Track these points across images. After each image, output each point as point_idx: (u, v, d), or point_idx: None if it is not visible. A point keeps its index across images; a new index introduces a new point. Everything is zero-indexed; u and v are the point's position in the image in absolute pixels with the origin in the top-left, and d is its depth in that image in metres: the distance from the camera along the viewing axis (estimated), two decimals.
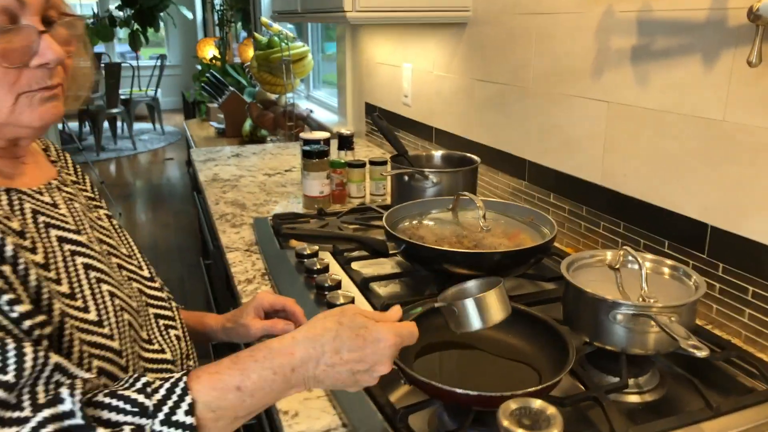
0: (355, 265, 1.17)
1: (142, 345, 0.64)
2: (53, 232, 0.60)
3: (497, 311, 0.70)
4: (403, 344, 0.58)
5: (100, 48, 7.75)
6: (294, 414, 0.76)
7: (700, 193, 0.98)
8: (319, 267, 1.11)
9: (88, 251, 0.65)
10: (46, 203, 0.63)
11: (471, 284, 0.74)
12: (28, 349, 0.45)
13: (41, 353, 0.45)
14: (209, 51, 4.31)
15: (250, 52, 3.34)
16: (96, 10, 7.78)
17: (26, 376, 0.44)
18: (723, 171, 0.95)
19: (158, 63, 7.08)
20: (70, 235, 0.62)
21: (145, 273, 0.77)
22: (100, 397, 0.46)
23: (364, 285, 1.06)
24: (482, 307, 0.69)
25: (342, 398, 0.76)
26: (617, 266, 0.90)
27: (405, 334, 0.59)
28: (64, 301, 0.55)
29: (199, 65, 4.28)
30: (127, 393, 0.47)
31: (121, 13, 7.09)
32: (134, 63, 7.20)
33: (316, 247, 1.21)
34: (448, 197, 1.25)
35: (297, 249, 1.19)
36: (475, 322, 0.69)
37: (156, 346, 0.67)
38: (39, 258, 0.55)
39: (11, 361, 0.44)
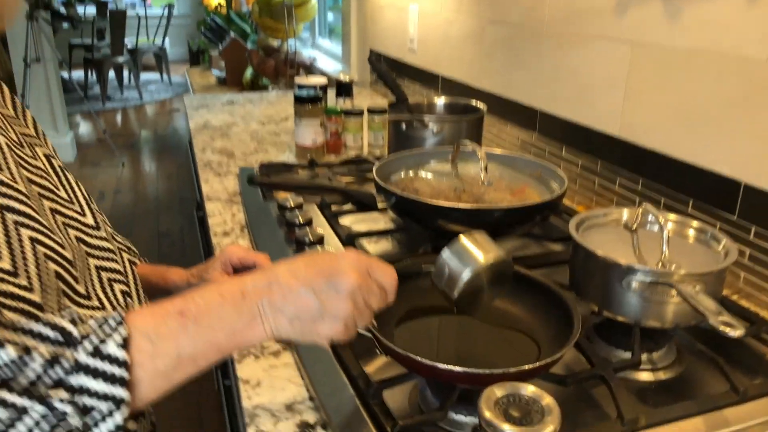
0: (344, 221, 1.10)
1: (76, 299, 0.57)
2: None
3: (485, 250, 0.63)
4: (372, 272, 0.52)
5: None
6: (256, 383, 0.69)
7: (733, 146, 0.88)
8: (301, 221, 1.04)
9: (6, 190, 0.55)
10: None
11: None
12: None
13: None
14: None
15: None
16: None
17: None
18: (763, 121, 0.83)
19: (165, 12, 6.90)
20: None
21: (89, 220, 0.67)
22: (17, 322, 0.43)
23: (350, 241, 0.99)
24: (462, 252, 0.62)
25: (311, 367, 0.69)
26: (634, 226, 0.82)
27: (375, 265, 0.53)
28: None
29: (205, 13, 4.12)
30: (49, 318, 0.44)
31: None
32: (141, 12, 7.02)
33: (301, 200, 1.11)
34: (447, 148, 1.16)
35: (279, 201, 1.10)
36: (461, 270, 0.61)
37: (94, 302, 0.60)
38: None
39: None
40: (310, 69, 2.70)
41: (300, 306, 0.48)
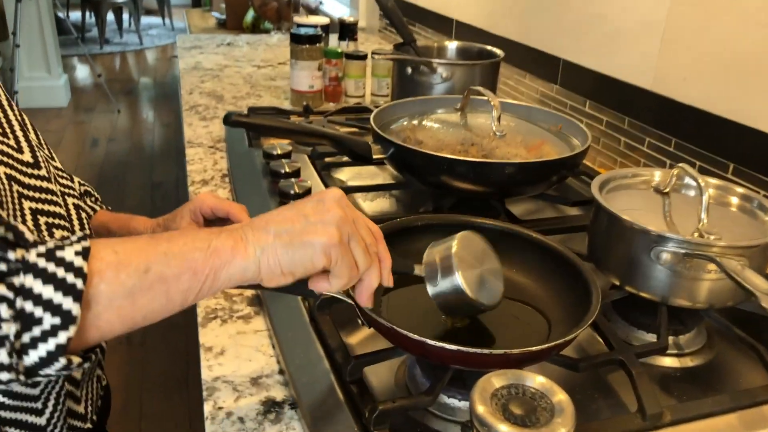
0: (336, 174, 1.06)
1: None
2: None
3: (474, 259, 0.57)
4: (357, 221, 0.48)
5: None
6: (219, 351, 0.64)
7: None
8: (287, 170, 0.98)
9: None
10: None
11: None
12: None
13: None
14: None
15: None
16: None
17: None
18: None
19: None
20: None
21: (26, 157, 0.59)
22: None
23: None
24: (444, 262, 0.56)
25: (284, 334, 0.64)
26: (667, 189, 0.75)
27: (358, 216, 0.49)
28: None
29: None
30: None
31: None
32: None
33: (289, 148, 1.04)
34: (456, 96, 1.07)
35: (265, 148, 1.05)
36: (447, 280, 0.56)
37: None
38: None
39: None
40: (315, 13, 2.57)
41: (283, 220, 0.45)
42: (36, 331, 0.36)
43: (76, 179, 0.73)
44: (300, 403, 0.55)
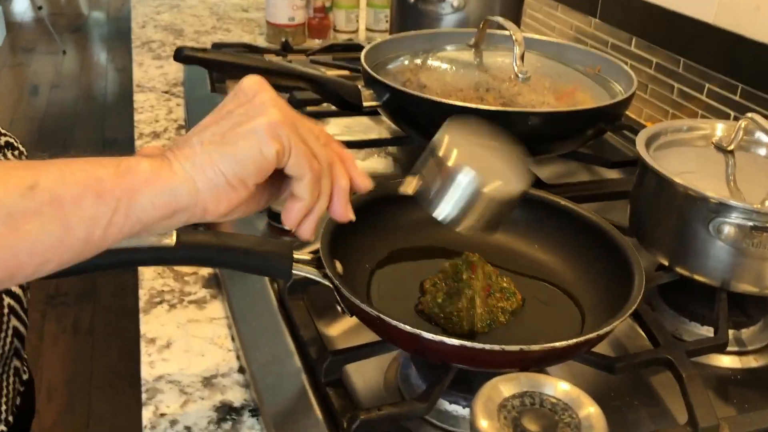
0: (320, 125, 1.00)
1: None
2: None
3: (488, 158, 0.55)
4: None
5: None
6: (164, 344, 0.62)
7: None
8: None
9: None
10: None
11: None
12: None
13: None
14: None
15: None
16: None
17: None
18: None
19: None
20: None
21: None
22: None
23: None
24: (449, 155, 0.52)
25: (246, 324, 0.63)
26: (731, 147, 0.73)
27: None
28: None
29: None
30: None
31: None
32: None
33: None
34: (470, 30, 1.05)
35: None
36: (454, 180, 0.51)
37: None
38: None
39: None
40: None
41: (204, 126, 0.43)
42: None
43: None
44: (263, 410, 0.54)
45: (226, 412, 0.55)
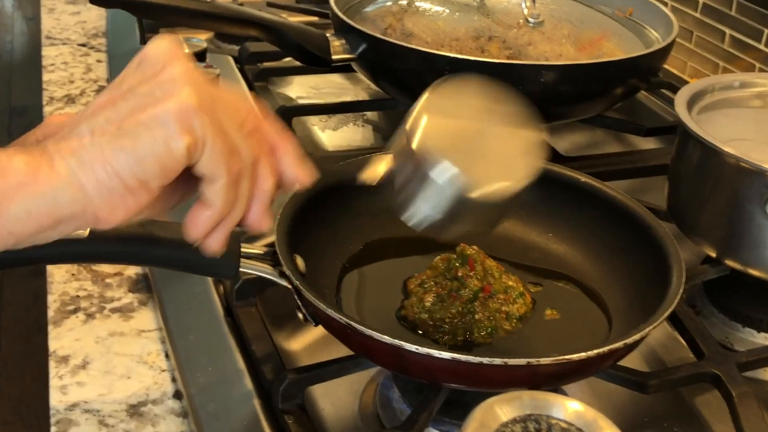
0: (281, 86, 1.09)
1: None
2: None
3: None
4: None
5: None
6: (80, 364, 0.63)
7: None
8: None
9: None
10: None
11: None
12: None
13: None
14: None
15: None
16: None
17: None
18: None
19: None
20: None
21: None
22: None
23: (284, 119, 0.93)
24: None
25: (183, 338, 0.64)
26: None
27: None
28: None
29: None
30: None
31: None
32: None
33: (204, 44, 1.03)
34: None
35: None
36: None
37: None
38: None
39: None
40: None
41: (98, 108, 0.42)
42: None
43: None
44: None
45: None
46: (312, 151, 0.89)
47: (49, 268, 0.71)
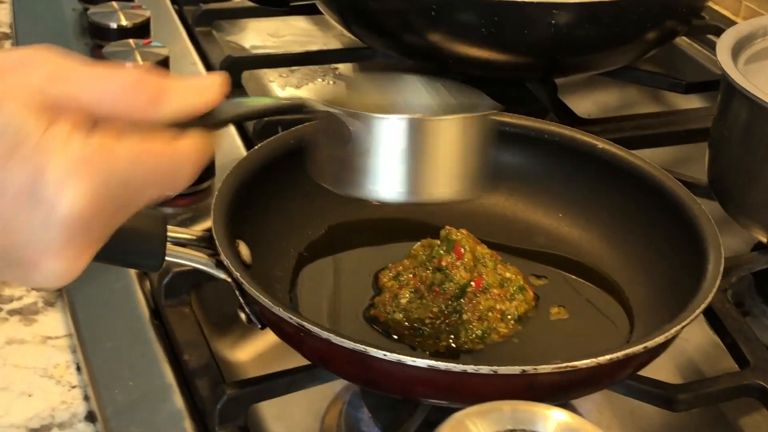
0: (231, 33, 1.11)
1: None
2: None
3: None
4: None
5: None
6: None
7: None
8: (125, 24, 1.00)
9: None
10: None
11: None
12: None
13: None
14: None
15: None
16: None
17: None
18: None
19: None
20: None
21: None
22: None
23: (233, 73, 0.96)
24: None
25: (98, 345, 0.64)
26: None
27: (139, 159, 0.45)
28: None
29: None
30: None
31: None
32: None
33: None
34: None
35: None
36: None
37: None
38: None
39: None
40: None
41: None
42: None
43: None
44: None
45: None
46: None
47: None
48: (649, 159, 0.69)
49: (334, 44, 1.08)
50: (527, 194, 0.70)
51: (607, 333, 0.62)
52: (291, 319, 0.52)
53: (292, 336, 0.55)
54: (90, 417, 0.60)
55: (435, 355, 0.57)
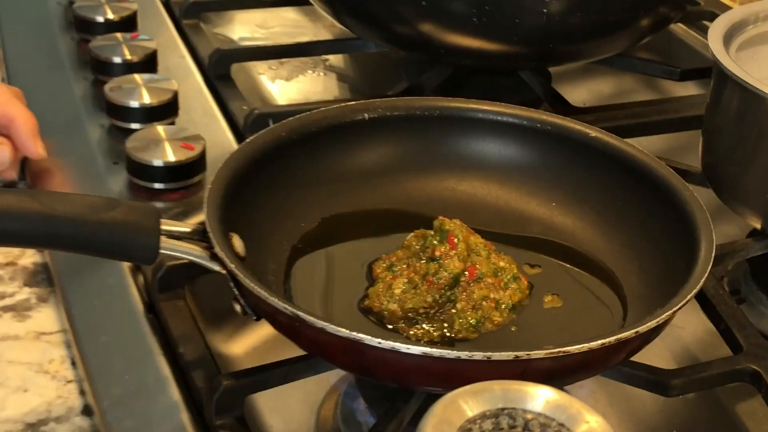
0: (218, 25, 1.12)
1: None
2: None
3: None
4: None
5: None
6: None
7: None
8: (111, 17, 1.00)
9: None
10: None
11: None
12: None
13: None
14: None
15: None
16: None
17: None
18: None
19: None
20: None
21: None
22: None
23: (220, 68, 0.97)
24: None
25: (94, 339, 0.65)
26: None
27: None
28: None
29: None
30: None
31: None
32: None
33: None
34: None
35: None
36: None
37: None
38: None
39: None
40: None
41: None
42: None
43: None
44: None
45: None
46: (259, 107, 0.90)
47: None
48: (644, 147, 0.69)
49: (324, 35, 1.08)
50: (520, 184, 0.70)
51: (601, 320, 0.62)
52: (286, 309, 0.52)
53: (287, 326, 0.55)
54: (86, 411, 0.61)
55: (430, 344, 0.57)
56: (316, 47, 1.03)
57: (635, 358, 0.58)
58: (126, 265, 0.69)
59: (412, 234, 0.64)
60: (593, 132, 0.69)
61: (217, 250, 0.55)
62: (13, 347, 0.66)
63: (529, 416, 0.38)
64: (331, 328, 0.51)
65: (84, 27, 0.99)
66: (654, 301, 0.60)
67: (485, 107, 0.71)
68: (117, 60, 0.92)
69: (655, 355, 0.63)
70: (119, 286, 0.67)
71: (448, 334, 0.59)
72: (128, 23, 1.00)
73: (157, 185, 0.77)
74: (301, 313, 0.52)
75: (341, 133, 0.71)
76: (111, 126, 0.86)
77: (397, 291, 0.60)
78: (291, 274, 0.64)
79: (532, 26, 0.85)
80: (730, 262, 0.71)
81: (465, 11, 0.84)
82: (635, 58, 0.98)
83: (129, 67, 0.92)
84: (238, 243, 0.59)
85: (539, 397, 0.39)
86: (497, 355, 0.50)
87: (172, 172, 0.77)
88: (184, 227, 0.58)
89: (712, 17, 1.04)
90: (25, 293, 0.71)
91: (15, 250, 0.73)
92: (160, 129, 0.80)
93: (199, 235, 0.57)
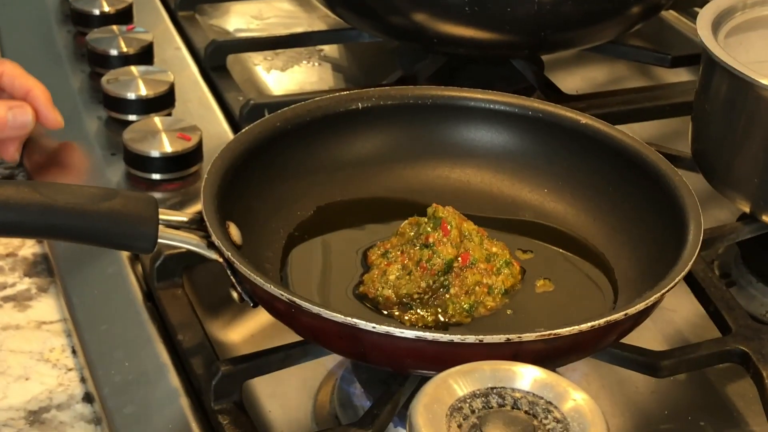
0: (213, 16, 1.11)
1: None
2: None
3: None
4: None
5: None
6: None
7: None
8: (107, 10, 1.01)
9: None
10: None
11: None
12: None
13: None
14: None
15: None
16: None
17: None
18: None
19: None
20: None
21: None
22: None
23: (215, 58, 0.97)
24: None
25: (94, 328, 0.66)
26: None
27: None
28: None
29: None
30: None
31: None
32: None
33: None
34: None
35: None
36: None
37: None
38: None
39: None
40: None
41: None
42: None
43: None
44: None
45: None
46: (254, 97, 0.90)
47: None
48: (636, 133, 0.70)
49: (318, 25, 1.07)
50: (513, 170, 0.70)
51: (593, 304, 0.62)
52: (282, 295, 0.53)
53: (283, 313, 0.56)
54: (87, 398, 0.61)
55: (424, 329, 0.57)
56: (310, 38, 1.03)
57: (627, 341, 0.59)
58: (125, 255, 0.69)
59: (406, 221, 0.64)
60: (584, 119, 0.69)
61: (215, 238, 0.56)
62: (15, 337, 0.67)
63: (518, 395, 0.39)
64: (327, 313, 0.52)
65: (80, 20, 1.00)
66: (645, 284, 0.60)
67: (477, 95, 0.71)
68: (113, 52, 0.92)
69: (646, 338, 0.64)
70: (118, 275, 0.68)
71: (441, 318, 0.60)
72: (124, 16, 1.00)
73: (155, 176, 0.78)
74: (297, 300, 0.53)
75: (336, 123, 0.71)
76: (108, 118, 0.86)
77: (392, 277, 0.61)
78: (287, 261, 0.65)
79: (523, 15, 0.85)
80: (720, 246, 0.72)
81: (457, 1, 0.84)
82: (627, 46, 0.98)
83: (125, 60, 0.92)
84: (234, 232, 0.59)
85: (527, 377, 0.40)
86: (489, 338, 0.50)
87: (169, 162, 0.78)
88: (181, 217, 0.58)
89: (703, 4, 1.03)
90: (25, 283, 0.71)
91: (15, 241, 0.74)
92: (157, 120, 0.80)
93: (197, 225, 0.58)
